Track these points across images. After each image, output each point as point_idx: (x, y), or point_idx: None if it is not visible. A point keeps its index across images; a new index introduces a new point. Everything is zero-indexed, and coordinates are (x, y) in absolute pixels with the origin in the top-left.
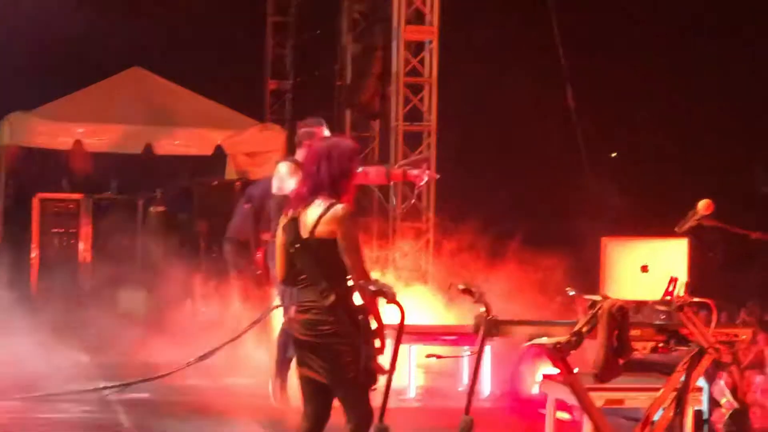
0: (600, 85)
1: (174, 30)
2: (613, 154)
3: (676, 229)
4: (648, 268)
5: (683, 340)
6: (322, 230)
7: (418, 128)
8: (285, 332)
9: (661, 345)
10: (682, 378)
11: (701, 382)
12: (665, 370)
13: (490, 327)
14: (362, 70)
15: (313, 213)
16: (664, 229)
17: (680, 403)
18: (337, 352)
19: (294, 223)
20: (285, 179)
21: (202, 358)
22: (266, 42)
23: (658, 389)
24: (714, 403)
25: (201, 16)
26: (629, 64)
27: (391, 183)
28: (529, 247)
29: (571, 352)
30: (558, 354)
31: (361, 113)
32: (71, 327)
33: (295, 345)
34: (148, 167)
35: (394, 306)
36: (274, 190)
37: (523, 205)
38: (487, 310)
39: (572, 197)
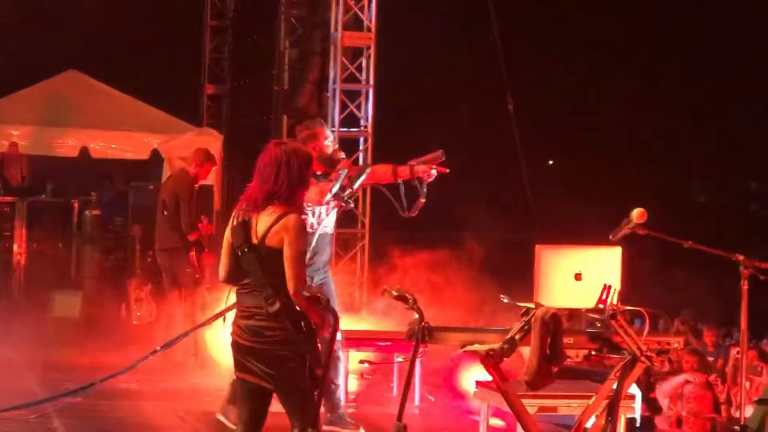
0: (543, 92)
1: (111, 33)
2: (551, 162)
3: (610, 236)
4: (582, 275)
5: (616, 348)
6: (272, 239)
7: (355, 134)
8: None
9: (594, 353)
10: (615, 385)
11: (634, 389)
12: (597, 377)
13: (424, 334)
14: (300, 75)
15: (265, 220)
16: (598, 237)
17: (612, 411)
18: (282, 358)
19: (245, 226)
20: None
21: (163, 347)
22: (204, 46)
23: (590, 397)
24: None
25: (139, 20)
26: (578, 71)
27: (399, 181)
28: (465, 252)
29: (504, 359)
30: (491, 361)
31: (297, 119)
32: (4, 330)
33: (237, 349)
34: (83, 170)
35: (327, 312)
36: None
37: (460, 211)
38: (420, 317)
39: (510, 203)
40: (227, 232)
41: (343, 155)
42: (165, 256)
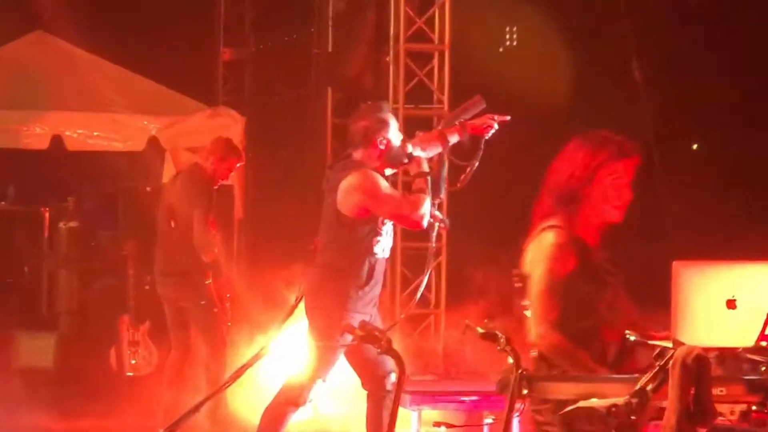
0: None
1: None
2: (695, 146)
3: None
4: (736, 303)
5: None
6: None
7: (426, 112)
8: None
9: (755, 408)
10: None
11: None
12: None
13: (521, 385)
14: (348, 34)
15: None
16: (756, 250)
17: None
18: None
19: None
20: (369, 196)
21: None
22: None
23: None
24: None
25: None
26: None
27: (448, 146)
28: None
29: (632, 418)
30: (614, 422)
31: (347, 92)
32: None
33: None
34: (56, 168)
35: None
36: (350, 210)
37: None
38: (517, 362)
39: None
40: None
41: (409, 148)
42: (170, 283)
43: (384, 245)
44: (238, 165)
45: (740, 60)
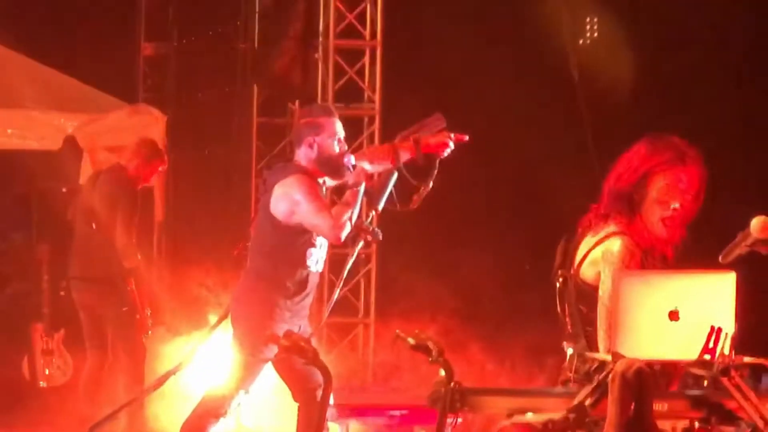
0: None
1: None
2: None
3: (719, 258)
4: (679, 314)
5: (729, 418)
6: None
7: (357, 112)
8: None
9: (698, 425)
10: None
11: None
12: None
13: (454, 398)
14: (276, 28)
15: None
16: (702, 259)
17: None
18: None
19: None
20: (298, 204)
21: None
22: None
23: None
24: None
25: None
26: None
27: (401, 165)
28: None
29: None
30: None
31: (274, 89)
32: None
33: None
34: None
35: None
36: (281, 215)
37: (500, 209)
38: (449, 375)
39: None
40: None
41: (352, 160)
42: (89, 289)
43: (318, 257)
44: (160, 168)
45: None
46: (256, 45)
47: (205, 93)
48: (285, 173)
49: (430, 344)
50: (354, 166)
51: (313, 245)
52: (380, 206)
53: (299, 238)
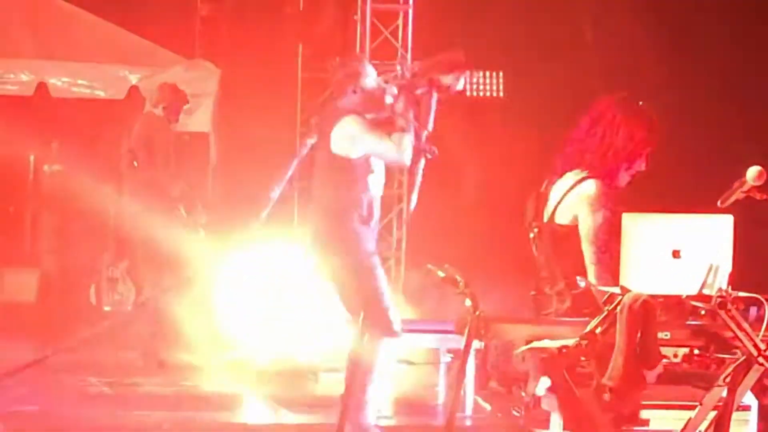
0: None
1: None
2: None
3: (718, 203)
4: (681, 252)
5: (726, 346)
6: None
7: (391, 68)
8: None
9: (697, 352)
10: (724, 393)
11: (749, 398)
12: (702, 383)
13: (478, 326)
14: None
15: None
16: (702, 203)
17: (722, 426)
18: None
19: None
20: (359, 138)
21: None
22: None
23: (693, 407)
24: None
25: None
26: None
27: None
28: None
29: (582, 359)
30: (563, 361)
31: (317, 48)
32: None
33: None
34: (41, 113)
35: None
36: (346, 151)
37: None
38: (474, 305)
39: None
40: None
41: (394, 90)
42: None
43: (379, 182)
44: (185, 107)
45: None
46: (300, 8)
47: (255, 50)
48: (336, 116)
49: (458, 277)
50: (396, 96)
51: (372, 171)
52: (430, 126)
53: (360, 167)
